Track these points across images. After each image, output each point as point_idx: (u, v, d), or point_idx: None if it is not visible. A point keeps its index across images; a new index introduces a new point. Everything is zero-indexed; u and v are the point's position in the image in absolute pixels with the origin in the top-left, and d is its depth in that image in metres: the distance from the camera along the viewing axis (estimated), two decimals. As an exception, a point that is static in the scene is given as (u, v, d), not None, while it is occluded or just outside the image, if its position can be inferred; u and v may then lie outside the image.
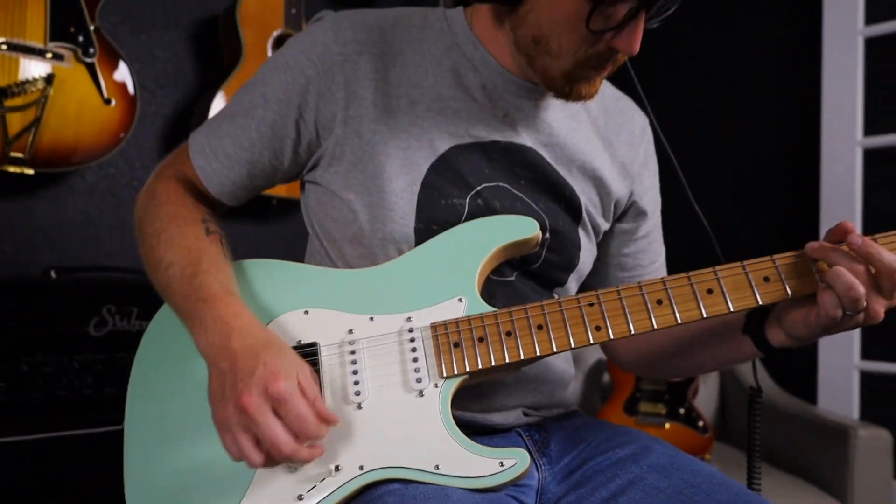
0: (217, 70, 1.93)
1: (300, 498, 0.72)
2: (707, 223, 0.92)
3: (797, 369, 2.44)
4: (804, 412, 2.04)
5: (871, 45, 2.33)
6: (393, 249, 0.83)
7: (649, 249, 1.01)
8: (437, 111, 0.85)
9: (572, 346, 0.75)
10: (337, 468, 0.73)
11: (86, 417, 1.36)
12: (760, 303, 0.74)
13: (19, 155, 1.48)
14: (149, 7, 1.88)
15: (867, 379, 2.31)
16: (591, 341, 0.75)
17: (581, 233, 0.92)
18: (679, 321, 0.75)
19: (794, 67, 2.57)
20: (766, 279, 0.75)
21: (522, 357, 0.76)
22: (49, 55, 1.51)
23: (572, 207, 0.90)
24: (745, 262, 0.76)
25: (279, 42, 1.89)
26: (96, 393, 1.38)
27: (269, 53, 1.87)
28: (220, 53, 1.94)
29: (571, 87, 0.81)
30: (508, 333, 0.76)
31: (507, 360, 0.75)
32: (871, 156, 2.34)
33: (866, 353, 2.30)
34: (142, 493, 0.78)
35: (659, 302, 0.75)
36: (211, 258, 0.80)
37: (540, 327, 0.76)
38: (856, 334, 2.30)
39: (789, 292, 0.74)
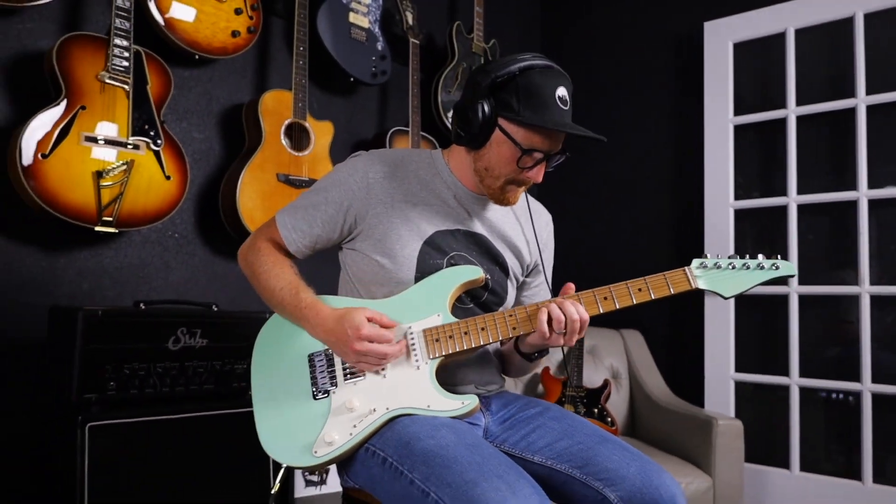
0: (238, 147, 2.49)
1: (354, 426, 1.26)
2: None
3: (689, 380, 3.07)
4: (687, 410, 2.57)
5: (738, 130, 2.98)
6: (402, 288, 1.36)
7: (538, 295, 1.57)
8: (426, 211, 1.40)
9: (500, 338, 1.31)
10: (373, 410, 1.27)
11: (162, 408, 1.83)
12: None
13: (109, 219, 1.99)
14: (189, 101, 2.44)
15: (739, 386, 2.92)
16: (511, 335, 1.32)
17: (508, 283, 1.48)
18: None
19: (683, 147, 3.22)
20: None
21: (473, 345, 1.31)
22: (130, 146, 2.04)
23: (504, 268, 1.46)
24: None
25: (290, 128, 2.45)
26: (171, 391, 1.84)
27: (282, 137, 2.43)
28: (242, 135, 2.49)
29: (503, 196, 1.38)
30: (465, 333, 1.31)
31: (465, 347, 1.30)
32: (738, 214, 2.99)
33: (739, 367, 2.91)
34: (266, 428, 1.30)
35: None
36: (302, 285, 1.36)
37: (483, 329, 1.32)
38: (731, 353, 2.94)
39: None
